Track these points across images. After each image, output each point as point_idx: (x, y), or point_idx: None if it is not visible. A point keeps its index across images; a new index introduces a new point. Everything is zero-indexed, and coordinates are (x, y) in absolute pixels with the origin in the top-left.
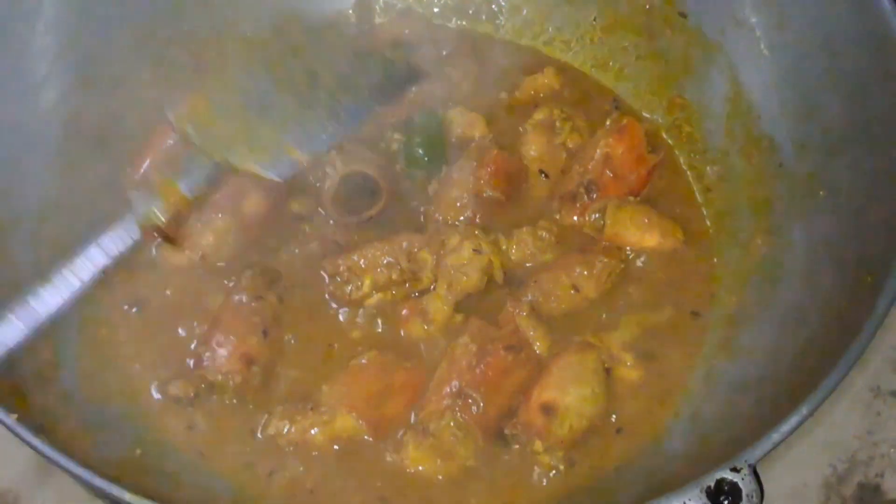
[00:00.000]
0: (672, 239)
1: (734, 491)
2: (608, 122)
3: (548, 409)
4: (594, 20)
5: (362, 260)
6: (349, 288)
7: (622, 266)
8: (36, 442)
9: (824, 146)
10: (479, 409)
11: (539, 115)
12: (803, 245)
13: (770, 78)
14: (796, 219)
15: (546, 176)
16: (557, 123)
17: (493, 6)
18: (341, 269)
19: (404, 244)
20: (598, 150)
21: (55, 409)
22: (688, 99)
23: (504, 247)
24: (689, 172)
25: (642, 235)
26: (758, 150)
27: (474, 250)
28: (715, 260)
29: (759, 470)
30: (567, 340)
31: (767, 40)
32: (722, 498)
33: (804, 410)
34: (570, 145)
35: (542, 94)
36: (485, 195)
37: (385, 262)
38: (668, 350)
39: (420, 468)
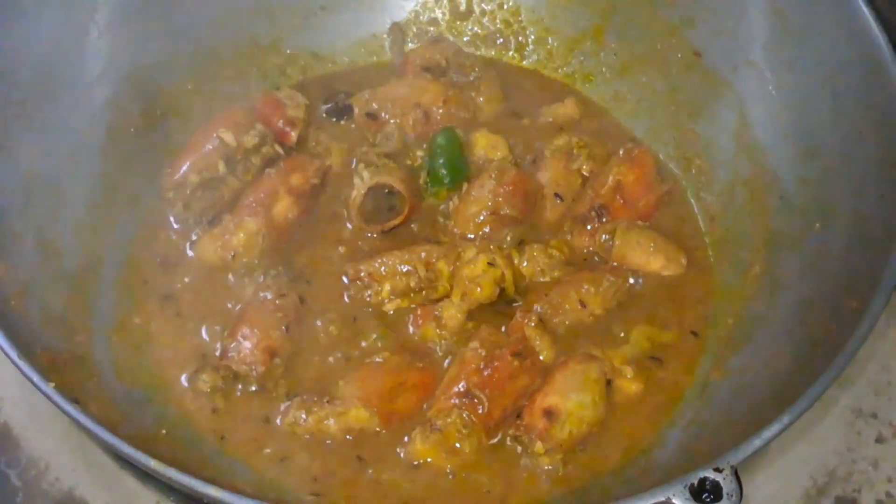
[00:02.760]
0: (675, 263)
1: (716, 489)
2: (621, 151)
3: (550, 414)
4: (615, 55)
5: (383, 267)
6: (368, 292)
7: (627, 285)
8: (70, 409)
9: (822, 182)
10: (485, 409)
11: (558, 142)
12: (797, 272)
13: (776, 116)
14: (793, 248)
15: (560, 199)
16: (575, 150)
17: (521, 38)
18: (362, 274)
19: (423, 254)
20: (610, 177)
21: (88, 387)
22: (698, 133)
23: (516, 261)
24: (694, 202)
25: (648, 258)
26: (761, 184)
27: (489, 263)
28: (715, 284)
29: (743, 479)
30: (571, 351)
31: (775, 81)
32: (704, 495)
33: (785, 419)
34: (585, 171)
35: (561, 123)
36: (501, 213)
37: (404, 269)
38: (666, 365)
39: (426, 460)
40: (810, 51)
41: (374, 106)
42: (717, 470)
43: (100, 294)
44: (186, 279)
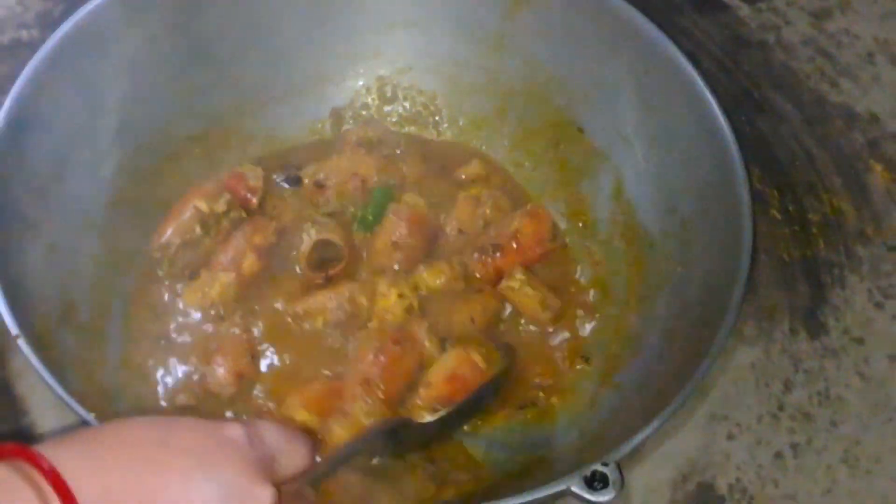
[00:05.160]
0: (550, 310)
1: (604, 479)
2: (528, 206)
3: (429, 384)
4: (514, 130)
5: (315, 304)
6: (307, 325)
7: (509, 311)
8: None
9: (681, 234)
10: (382, 391)
11: (471, 191)
12: (664, 307)
13: (644, 181)
14: (661, 287)
15: (463, 234)
16: (483, 199)
17: (437, 117)
18: (300, 310)
19: (346, 293)
20: (511, 224)
21: (108, 414)
22: (583, 195)
23: (425, 274)
24: (581, 250)
25: (528, 300)
26: (634, 236)
27: (399, 296)
28: (599, 317)
29: (624, 470)
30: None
31: (643, 153)
32: (595, 483)
33: (655, 423)
34: (489, 216)
35: (472, 178)
36: (404, 244)
37: (332, 306)
38: (560, 385)
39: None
40: (669, 129)
41: (321, 176)
42: (604, 464)
43: (109, 338)
44: (174, 323)
